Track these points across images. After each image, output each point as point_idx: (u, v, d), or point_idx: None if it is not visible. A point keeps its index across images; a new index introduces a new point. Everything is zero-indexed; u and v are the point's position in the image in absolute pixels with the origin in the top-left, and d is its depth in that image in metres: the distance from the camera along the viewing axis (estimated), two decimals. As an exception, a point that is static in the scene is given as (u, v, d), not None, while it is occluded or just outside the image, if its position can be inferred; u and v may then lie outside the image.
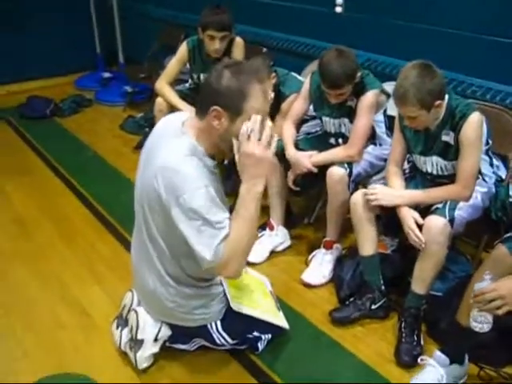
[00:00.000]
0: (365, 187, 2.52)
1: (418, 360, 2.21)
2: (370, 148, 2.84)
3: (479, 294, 1.82)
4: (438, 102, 2.20)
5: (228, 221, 1.87)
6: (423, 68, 2.18)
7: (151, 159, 1.96)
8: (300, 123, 3.08)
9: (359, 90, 2.70)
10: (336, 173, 2.68)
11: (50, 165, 4.15)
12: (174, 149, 1.90)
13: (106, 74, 5.89)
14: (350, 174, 2.69)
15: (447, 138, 2.31)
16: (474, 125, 2.23)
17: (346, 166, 2.70)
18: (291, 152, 2.83)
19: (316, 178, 2.87)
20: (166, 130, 2.04)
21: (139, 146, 4.24)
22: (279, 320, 2.36)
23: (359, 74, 2.65)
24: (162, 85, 3.59)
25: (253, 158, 1.84)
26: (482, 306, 1.82)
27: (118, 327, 2.30)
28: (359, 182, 2.79)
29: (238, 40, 3.59)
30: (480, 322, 1.87)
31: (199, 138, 1.92)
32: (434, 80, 2.17)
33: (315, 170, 2.76)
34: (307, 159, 2.77)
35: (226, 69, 1.85)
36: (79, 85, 5.98)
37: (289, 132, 2.90)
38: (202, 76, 3.64)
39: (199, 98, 2.00)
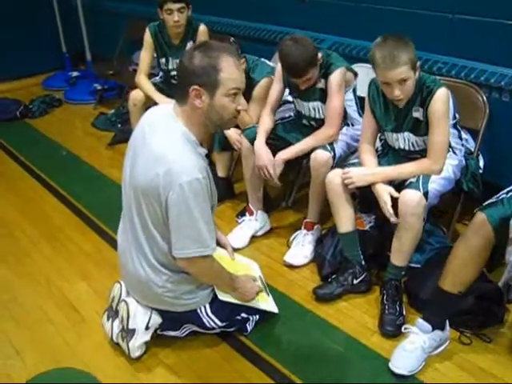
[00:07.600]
0: (341, 168, 2.57)
1: (402, 329, 2.27)
2: (344, 129, 2.88)
3: None
4: (418, 64, 2.26)
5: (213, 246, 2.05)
6: (396, 36, 2.23)
7: (144, 149, 2.01)
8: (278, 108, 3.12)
9: (325, 71, 2.74)
10: (321, 156, 2.71)
11: (24, 166, 4.13)
12: (170, 137, 1.97)
13: (74, 73, 5.85)
14: (334, 157, 2.73)
15: (417, 113, 2.37)
16: (442, 100, 2.29)
17: (329, 149, 2.73)
18: (258, 143, 2.87)
19: (292, 164, 2.92)
20: (155, 121, 2.08)
21: (113, 143, 4.25)
22: (269, 305, 2.41)
23: (320, 56, 2.69)
24: (140, 78, 3.67)
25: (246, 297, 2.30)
26: None
27: (108, 319, 2.32)
28: (339, 163, 2.82)
29: (202, 27, 3.67)
30: None
31: (189, 124, 1.99)
32: (409, 43, 2.22)
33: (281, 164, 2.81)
34: (266, 157, 2.82)
35: (196, 49, 1.94)
36: (47, 85, 5.93)
37: (264, 122, 2.93)
38: (170, 60, 3.70)
39: (176, 83, 2.07)
